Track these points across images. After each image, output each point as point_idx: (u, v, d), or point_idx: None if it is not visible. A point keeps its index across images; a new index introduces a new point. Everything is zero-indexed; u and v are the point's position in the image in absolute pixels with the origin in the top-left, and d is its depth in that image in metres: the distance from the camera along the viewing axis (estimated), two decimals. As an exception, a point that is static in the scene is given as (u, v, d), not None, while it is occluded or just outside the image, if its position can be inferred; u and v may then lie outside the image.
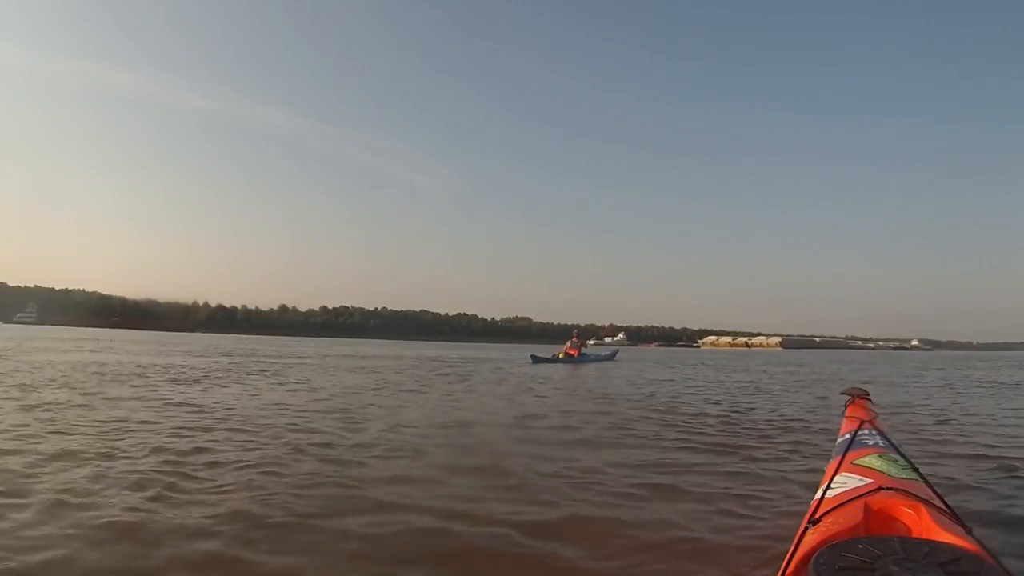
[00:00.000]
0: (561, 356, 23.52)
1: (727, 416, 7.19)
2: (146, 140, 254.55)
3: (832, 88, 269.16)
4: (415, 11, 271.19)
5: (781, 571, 1.49)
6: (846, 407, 3.28)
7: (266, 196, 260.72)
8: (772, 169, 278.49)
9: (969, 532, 1.53)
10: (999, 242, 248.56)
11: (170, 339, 42.19)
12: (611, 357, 26.71)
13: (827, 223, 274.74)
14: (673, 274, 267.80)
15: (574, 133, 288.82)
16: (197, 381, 9.94)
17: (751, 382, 13.79)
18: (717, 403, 8.79)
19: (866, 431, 2.53)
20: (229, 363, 15.58)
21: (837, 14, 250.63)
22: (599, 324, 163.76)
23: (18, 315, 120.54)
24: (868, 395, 3.37)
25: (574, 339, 24.84)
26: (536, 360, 22.63)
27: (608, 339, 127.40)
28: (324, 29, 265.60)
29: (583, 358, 24.15)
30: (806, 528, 1.66)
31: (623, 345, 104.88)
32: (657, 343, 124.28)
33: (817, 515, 1.71)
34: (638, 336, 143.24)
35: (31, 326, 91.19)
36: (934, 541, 1.39)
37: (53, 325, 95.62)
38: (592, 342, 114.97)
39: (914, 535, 1.56)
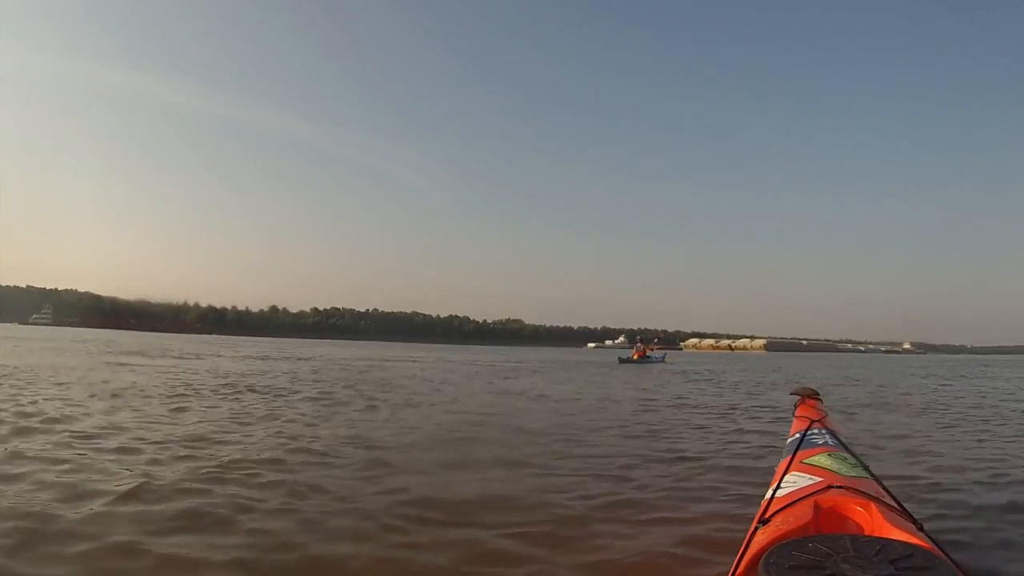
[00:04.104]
0: (635, 358, 28.91)
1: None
2: (144, 140, 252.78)
3: (825, 77, 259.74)
4: (419, 8, 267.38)
5: (731, 571, 1.47)
6: (796, 407, 3.24)
7: (260, 197, 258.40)
8: (766, 168, 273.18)
9: (921, 528, 1.52)
10: (994, 245, 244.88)
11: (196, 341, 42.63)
12: (662, 360, 30.58)
13: (821, 224, 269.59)
14: (666, 277, 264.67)
15: (565, 130, 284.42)
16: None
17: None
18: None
19: (816, 430, 2.50)
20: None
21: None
22: (591, 327, 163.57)
23: (34, 316, 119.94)
24: (818, 395, 3.32)
25: (639, 344, 31.01)
26: (622, 361, 27.81)
27: (608, 342, 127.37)
28: (327, 30, 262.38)
29: (647, 360, 28.99)
30: (756, 528, 1.63)
31: (625, 348, 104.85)
32: (660, 346, 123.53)
33: (767, 515, 1.68)
34: (633, 338, 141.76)
35: (52, 327, 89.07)
36: (885, 538, 1.37)
37: (71, 327, 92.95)
38: (593, 345, 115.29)
39: (865, 533, 1.54)
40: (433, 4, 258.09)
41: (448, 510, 3.16)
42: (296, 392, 9.21)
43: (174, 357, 19.10)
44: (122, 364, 14.57)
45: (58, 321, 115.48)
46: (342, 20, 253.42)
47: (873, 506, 1.62)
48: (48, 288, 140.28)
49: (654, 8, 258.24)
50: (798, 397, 3.36)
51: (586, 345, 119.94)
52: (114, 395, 7.69)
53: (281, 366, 16.52)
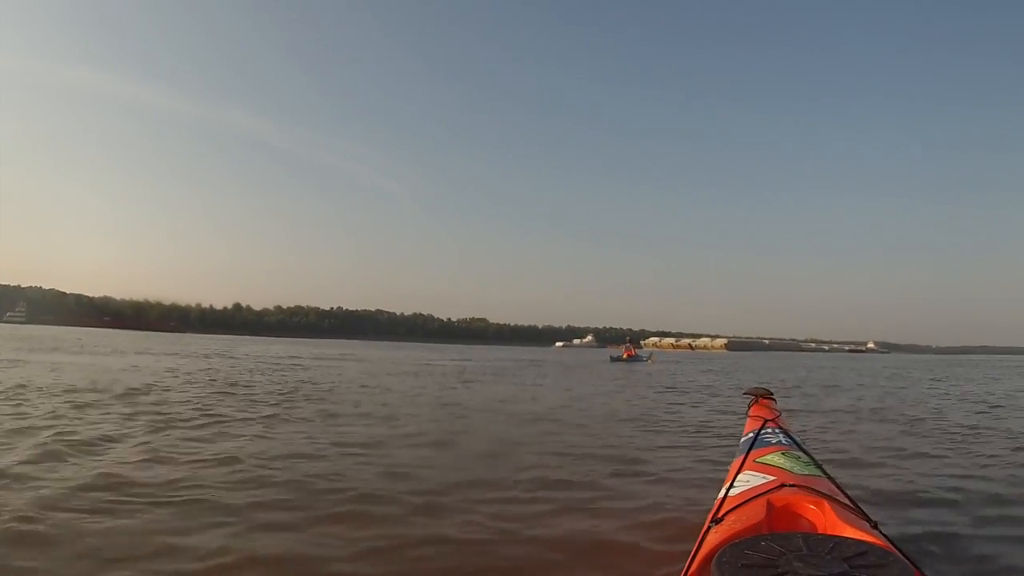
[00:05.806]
0: (625, 357, 31.64)
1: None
2: (105, 139, 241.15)
3: (794, 79, 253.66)
4: (390, 10, 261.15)
5: (684, 570, 1.44)
6: (750, 407, 3.23)
7: (224, 196, 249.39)
8: (731, 170, 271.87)
9: (875, 526, 1.49)
10: (961, 248, 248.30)
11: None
12: (647, 359, 33.52)
13: (787, 226, 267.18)
14: (630, 277, 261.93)
15: (531, 133, 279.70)
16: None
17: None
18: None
19: (769, 430, 2.49)
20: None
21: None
22: (556, 326, 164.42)
23: (8, 314, 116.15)
24: (772, 395, 3.31)
25: (628, 344, 34.51)
26: (613, 360, 30.65)
27: (577, 341, 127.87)
28: (293, 31, 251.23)
29: (635, 359, 31.81)
30: (709, 527, 1.60)
31: (593, 347, 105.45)
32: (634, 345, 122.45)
33: (720, 514, 1.66)
34: (601, 337, 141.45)
35: (25, 325, 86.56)
36: (838, 536, 1.34)
37: (45, 324, 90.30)
38: (560, 344, 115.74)
39: (818, 531, 1.52)
40: (401, 5, 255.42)
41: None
42: (159, 399, 7.60)
43: (100, 354, 18.63)
44: (16, 361, 13.97)
45: (32, 319, 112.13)
46: (308, 20, 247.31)
47: (826, 504, 1.60)
48: (12, 285, 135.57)
49: (632, 8, 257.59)
50: (752, 397, 3.35)
51: (553, 344, 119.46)
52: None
53: (198, 365, 15.63)
